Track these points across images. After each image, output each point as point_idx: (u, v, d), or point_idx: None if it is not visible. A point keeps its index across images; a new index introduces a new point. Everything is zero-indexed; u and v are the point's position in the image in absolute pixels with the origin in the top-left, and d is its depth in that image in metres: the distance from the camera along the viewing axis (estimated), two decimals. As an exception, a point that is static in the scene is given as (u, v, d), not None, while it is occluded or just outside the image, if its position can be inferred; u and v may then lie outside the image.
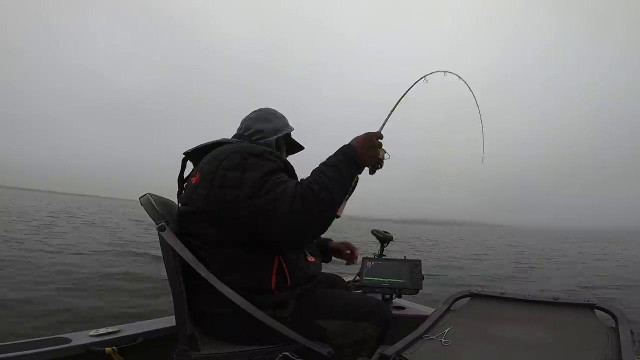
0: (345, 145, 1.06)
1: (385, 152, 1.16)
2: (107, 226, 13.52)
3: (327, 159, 1.04)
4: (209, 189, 1.01)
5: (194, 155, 1.20)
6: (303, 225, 0.94)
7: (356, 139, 1.07)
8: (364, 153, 1.04)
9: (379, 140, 1.10)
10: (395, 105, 1.31)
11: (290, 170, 1.11)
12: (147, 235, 10.63)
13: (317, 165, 1.04)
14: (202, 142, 1.19)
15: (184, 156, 1.21)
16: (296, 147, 1.45)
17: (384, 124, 1.22)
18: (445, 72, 1.49)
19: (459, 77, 1.49)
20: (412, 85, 1.38)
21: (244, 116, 1.33)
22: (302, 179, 1.01)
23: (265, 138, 1.25)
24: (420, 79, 1.42)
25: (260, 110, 1.34)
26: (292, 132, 1.37)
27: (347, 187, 1.02)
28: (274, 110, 1.36)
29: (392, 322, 1.14)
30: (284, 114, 1.36)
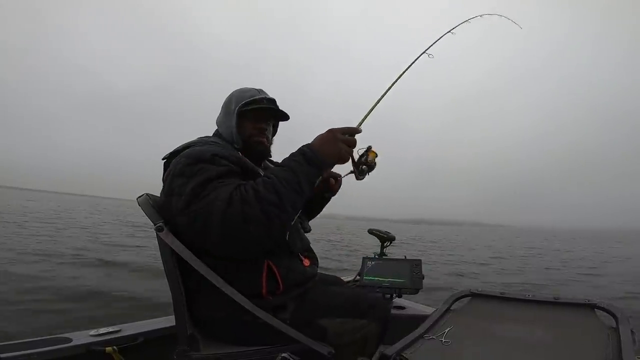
0: (302, 147, 0.98)
1: (371, 149, 1.08)
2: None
3: (282, 160, 0.98)
4: (162, 195, 1.00)
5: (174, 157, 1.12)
6: (239, 229, 0.85)
7: (317, 138, 0.99)
8: (322, 150, 0.96)
9: (349, 135, 1.00)
10: (386, 92, 1.21)
11: (245, 168, 1.04)
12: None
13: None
14: (179, 145, 1.11)
15: (164, 160, 1.13)
16: (280, 116, 1.25)
17: (364, 119, 1.10)
18: (452, 31, 1.39)
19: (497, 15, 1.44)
20: (411, 65, 1.29)
21: None
22: (246, 182, 0.92)
23: (227, 129, 1.16)
24: (422, 54, 1.31)
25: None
26: (262, 101, 1.17)
27: (304, 189, 0.92)
28: (231, 93, 1.21)
29: (391, 318, 1.14)
30: (241, 89, 1.21)
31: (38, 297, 3.54)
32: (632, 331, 0.84)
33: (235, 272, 1.00)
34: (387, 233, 1.97)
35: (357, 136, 1.03)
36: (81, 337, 1.17)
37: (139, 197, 1.06)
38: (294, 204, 0.91)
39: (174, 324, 1.01)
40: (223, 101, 1.23)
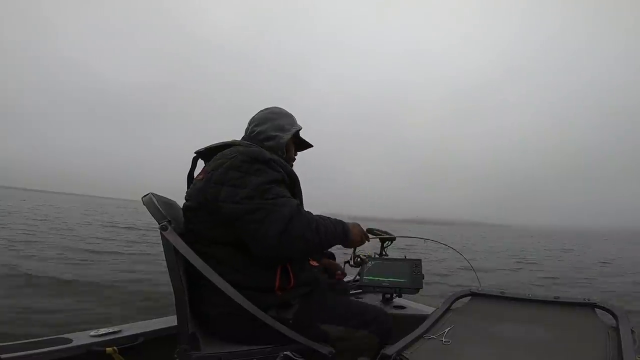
0: (342, 221, 1.20)
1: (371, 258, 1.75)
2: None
3: (328, 217, 1.15)
4: (207, 183, 1.03)
5: (205, 154, 1.20)
6: (294, 240, 0.97)
7: (351, 224, 1.24)
8: (352, 230, 1.21)
9: (366, 238, 1.31)
10: (392, 238, 1.79)
11: (293, 181, 1.14)
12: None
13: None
14: (214, 142, 1.19)
15: (195, 155, 1.22)
16: (304, 145, 1.43)
17: (375, 236, 1.63)
18: (448, 245, 1.92)
19: (450, 247, 1.94)
20: (412, 237, 1.99)
21: (249, 116, 1.32)
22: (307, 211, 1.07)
23: (274, 139, 1.25)
24: (421, 238, 1.95)
25: (267, 110, 1.32)
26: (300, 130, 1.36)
27: (332, 244, 1.15)
28: (280, 109, 1.34)
29: (392, 331, 1.15)
30: (290, 112, 1.35)
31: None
32: (632, 330, 0.85)
33: (252, 266, 1.03)
34: (387, 233, 1.97)
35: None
36: (81, 338, 1.17)
37: (144, 196, 1.06)
38: (324, 247, 1.13)
39: (175, 324, 1.01)
40: (271, 110, 1.32)
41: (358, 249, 1.54)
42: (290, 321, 1.05)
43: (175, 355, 0.96)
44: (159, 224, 0.96)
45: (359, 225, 1.28)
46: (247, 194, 0.97)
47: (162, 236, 0.97)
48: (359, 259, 1.65)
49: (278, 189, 1.01)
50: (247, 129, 1.30)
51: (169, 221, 0.97)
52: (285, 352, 0.97)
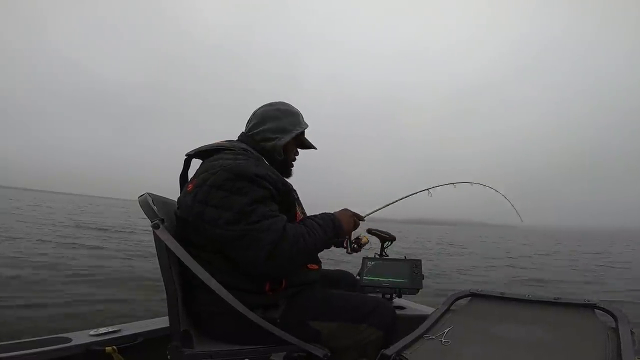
0: (331, 215, 1.18)
1: (364, 235, 1.47)
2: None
3: (316, 221, 1.11)
4: (193, 201, 0.99)
5: (199, 155, 1.15)
6: (280, 261, 0.96)
7: (340, 213, 1.22)
8: (343, 221, 1.19)
9: (359, 220, 1.29)
10: (388, 205, 1.54)
11: (286, 192, 1.10)
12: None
13: (307, 218, 1.13)
14: (205, 144, 1.14)
15: (186, 157, 1.16)
16: (308, 145, 1.36)
17: (370, 213, 1.40)
18: (454, 184, 1.65)
19: (483, 185, 1.69)
20: (412, 194, 1.61)
21: (244, 116, 1.26)
22: (293, 225, 1.04)
23: (272, 141, 1.19)
24: (423, 190, 1.60)
25: (271, 106, 1.24)
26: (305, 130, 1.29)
27: (325, 248, 1.14)
28: (286, 106, 1.26)
29: (395, 323, 1.10)
30: (298, 110, 1.27)
31: None
32: (631, 331, 0.85)
33: (242, 271, 1.01)
34: (387, 233, 1.97)
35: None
36: (81, 337, 1.17)
37: (140, 196, 1.06)
38: (314, 257, 1.18)
39: None
40: (276, 106, 1.24)
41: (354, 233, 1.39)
42: (278, 320, 1.03)
43: (168, 353, 0.96)
44: (151, 222, 0.96)
45: (346, 210, 1.24)
46: (230, 218, 0.94)
47: (155, 234, 0.97)
48: (355, 246, 1.51)
49: (263, 208, 0.97)
50: (247, 123, 1.24)
51: (162, 220, 0.97)
52: (280, 353, 0.97)
